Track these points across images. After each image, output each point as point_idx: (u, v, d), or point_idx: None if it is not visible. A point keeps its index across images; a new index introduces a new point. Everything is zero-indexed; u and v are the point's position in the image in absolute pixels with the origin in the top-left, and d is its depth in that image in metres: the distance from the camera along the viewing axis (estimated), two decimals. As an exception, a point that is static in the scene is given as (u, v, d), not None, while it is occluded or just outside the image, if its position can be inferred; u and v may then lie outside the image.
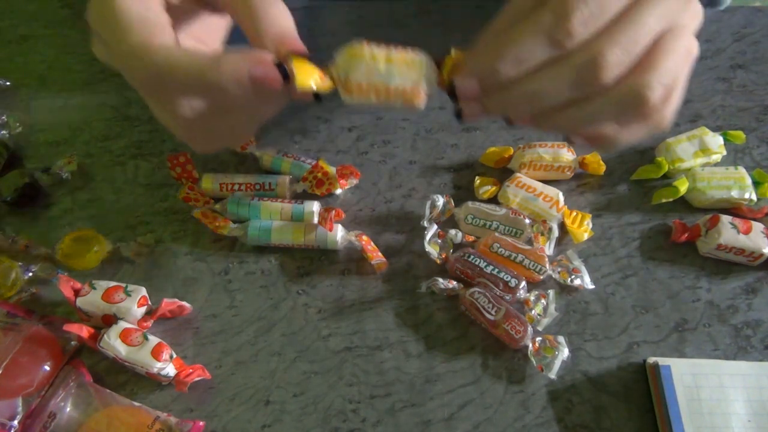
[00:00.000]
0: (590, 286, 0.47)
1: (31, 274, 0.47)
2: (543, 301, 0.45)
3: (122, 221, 0.51)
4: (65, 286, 0.43)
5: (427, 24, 0.64)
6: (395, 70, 0.35)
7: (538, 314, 0.45)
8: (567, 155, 0.51)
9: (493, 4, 0.63)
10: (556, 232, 0.49)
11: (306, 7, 0.65)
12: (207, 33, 0.39)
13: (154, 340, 0.42)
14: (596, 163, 0.52)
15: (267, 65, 0.33)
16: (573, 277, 0.47)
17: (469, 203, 0.49)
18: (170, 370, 0.42)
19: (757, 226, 0.48)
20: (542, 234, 0.48)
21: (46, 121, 0.56)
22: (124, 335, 0.42)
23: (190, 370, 0.42)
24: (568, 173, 0.52)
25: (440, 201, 0.49)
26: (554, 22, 0.31)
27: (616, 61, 0.31)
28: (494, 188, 0.51)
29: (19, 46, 0.62)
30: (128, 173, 0.53)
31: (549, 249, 0.49)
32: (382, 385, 0.43)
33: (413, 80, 0.36)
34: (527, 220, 0.48)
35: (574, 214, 0.50)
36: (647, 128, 0.34)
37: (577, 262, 0.47)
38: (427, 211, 0.49)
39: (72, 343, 0.44)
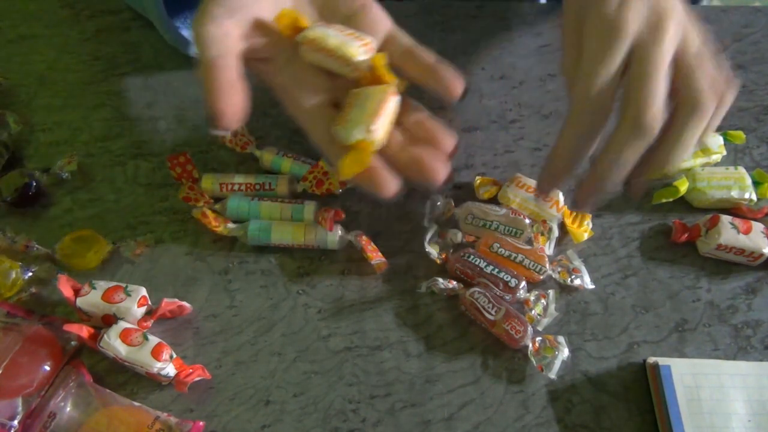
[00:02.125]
0: (590, 286, 0.47)
1: (31, 274, 0.47)
2: (543, 301, 0.45)
3: (122, 221, 0.51)
4: (65, 286, 0.43)
5: (427, 24, 0.64)
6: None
7: (538, 314, 0.45)
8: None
9: (493, 4, 0.63)
10: (556, 232, 0.49)
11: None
12: None
13: (154, 340, 0.42)
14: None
15: None
16: (573, 277, 0.47)
17: (470, 203, 0.49)
18: (170, 370, 0.42)
19: (757, 226, 0.48)
20: (542, 234, 0.48)
21: (46, 121, 0.56)
22: (124, 335, 0.42)
23: (190, 370, 0.42)
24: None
25: (440, 201, 0.49)
26: (578, 117, 0.39)
27: (652, 119, 0.38)
28: (495, 188, 0.51)
29: (19, 46, 0.62)
30: (128, 173, 0.53)
31: (549, 249, 0.49)
32: (382, 385, 0.43)
33: None
34: (527, 220, 0.48)
35: (574, 214, 0.50)
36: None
37: (577, 262, 0.47)
38: (427, 212, 0.49)
39: (72, 343, 0.44)
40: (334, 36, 0.37)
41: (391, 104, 0.37)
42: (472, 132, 0.56)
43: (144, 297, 0.44)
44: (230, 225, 0.49)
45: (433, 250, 0.47)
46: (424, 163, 0.38)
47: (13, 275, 0.46)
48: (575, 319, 0.46)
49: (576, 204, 0.43)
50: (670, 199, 0.51)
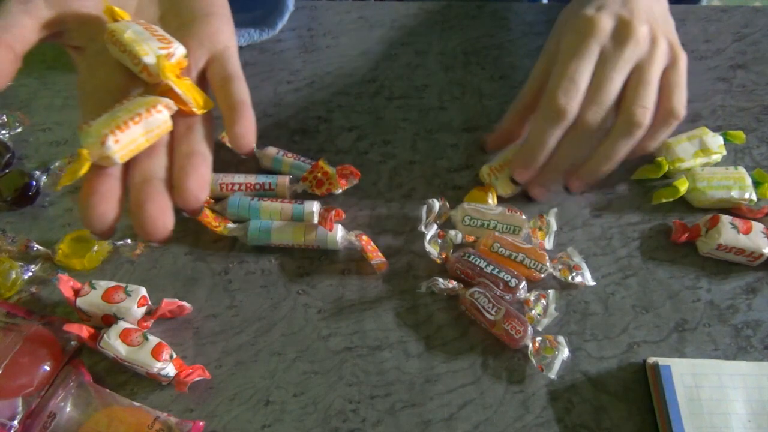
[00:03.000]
0: (591, 282, 0.47)
1: (31, 274, 0.47)
2: (543, 301, 0.45)
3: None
4: (65, 286, 0.43)
5: (427, 24, 0.64)
6: None
7: (538, 314, 0.45)
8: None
9: (492, 4, 0.64)
10: (554, 226, 0.49)
11: (306, 7, 0.65)
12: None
13: (154, 340, 0.42)
14: None
15: None
16: (574, 274, 0.47)
17: (465, 205, 0.49)
18: (170, 370, 0.42)
19: (757, 226, 0.48)
20: (540, 229, 0.49)
21: (46, 121, 0.56)
22: (124, 335, 0.42)
23: (190, 370, 0.42)
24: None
25: (436, 205, 0.49)
26: (548, 106, 0.46)
27: (595, 118, 0.46)
28: (485, 193, 0.51)
29: (19, 46, 0.62)
30: (128, 173, 0.53)
31: (548, 243, 0.49)
32: (382, 385, 0.43)
33: None
34: (524, 216, 0.48)
35: None
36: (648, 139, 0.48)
37: (578, 259, 0.47)
38: (423, 216, 0.49)
39: (72, 343, 0.44)
40: (133, 31, 0.33)
41: (150, 121, 0.31)
42: (472, 132, 0.56)
43: (144, 297, 0.44)
44: (230, 225, 0.49)
45: (433, 250, 0.47)
46: (142, 212, 0.31)
47: (13, 275, 0.46)
48: (575, 319, 0.46)
49: (569, 189, 0.52)
50: (670, 199, 0.51)
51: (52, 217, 0.51)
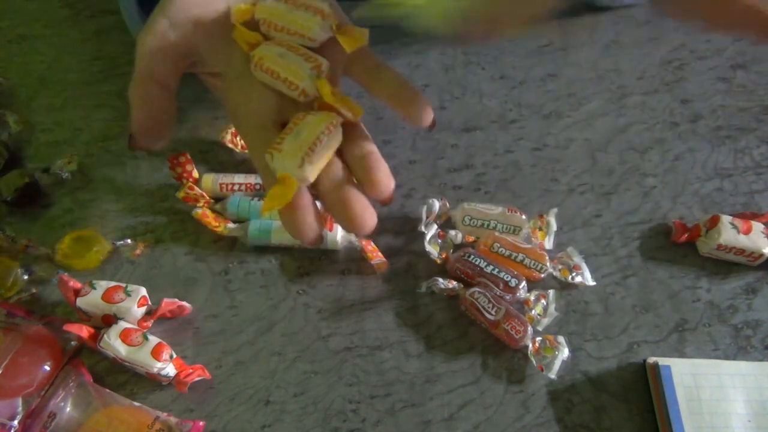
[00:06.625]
0: (591, 282, 0.47)
1: (31, 274, 0.47)
2: (543, 301, 0.45)
3: (122, 221, 0.51)
4: (65, 286, 0.43)
5: (427, 24, 0.64)
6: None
7: (538, 314, 0.45)
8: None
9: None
10: (554, 226, 0.49)
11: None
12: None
13: (154, 340, 0.42)
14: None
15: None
16: (574, 274, 0.47)
17: (465, 205, 0.49)
18: (170, 370, 0.42)
19: (757, 226, 0.48)
20: (540, 229, 0.49)
21: (46, 121, 0.56)
22: (124, 335, 0.42)
23: (190, 370, 0.42)
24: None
25: (436, 205, 0.49)
26: None
27: None
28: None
29: (19, 46, 0.62)
30: (128, 173, 0.53)
31: (548, 243, 0.49)
32: (382, 385, 0.43)
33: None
34: (524, 216, 0.48)
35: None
36: None
37: (578, 259, 0.47)
38: (423, 216, 0.49)
39: (72, 343, 0.44)
40: (278, 55, 0.34)
41: (330, 137, 0.33)
42: (472, 132, 0.56)
43: (144, 297, 0.44)
44: (230, 225, 0.49)
45: (433, 250, 0.47)
46: (350, 209, 0.33)
47: (13, 275, 0.46)
48: (575, 319, 0.46)
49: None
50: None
51: (52, 217, 0.51)
